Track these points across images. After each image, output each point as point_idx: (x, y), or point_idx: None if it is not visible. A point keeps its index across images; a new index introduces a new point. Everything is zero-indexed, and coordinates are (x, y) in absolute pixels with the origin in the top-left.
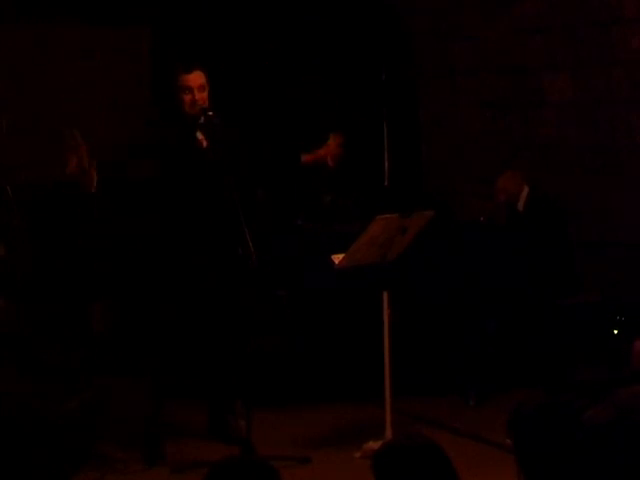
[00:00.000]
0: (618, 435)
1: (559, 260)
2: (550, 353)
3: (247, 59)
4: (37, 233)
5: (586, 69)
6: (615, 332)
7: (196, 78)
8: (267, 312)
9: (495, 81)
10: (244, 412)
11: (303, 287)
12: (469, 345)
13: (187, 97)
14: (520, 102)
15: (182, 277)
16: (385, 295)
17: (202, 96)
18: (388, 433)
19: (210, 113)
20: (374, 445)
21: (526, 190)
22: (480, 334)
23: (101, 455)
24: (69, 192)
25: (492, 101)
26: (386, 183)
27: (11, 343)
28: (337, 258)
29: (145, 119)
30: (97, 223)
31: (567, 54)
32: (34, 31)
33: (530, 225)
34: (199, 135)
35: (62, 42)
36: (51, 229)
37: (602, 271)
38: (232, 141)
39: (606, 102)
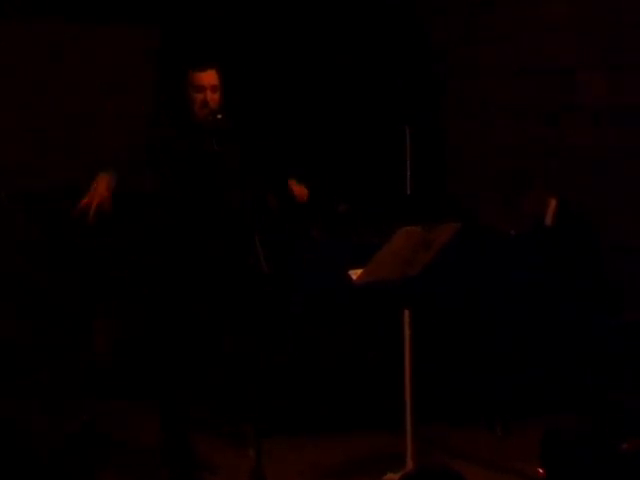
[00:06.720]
0: None
1: (591, 276)
2: (584, 377)
3: (259, 60)
4: (32, 241)
5: (620, 71)
6: None
7: (210, 77)
8: (279, 330)
9: (525, 83)
10: (254, 440)
11: (318, 305)
12: (495, 370)
13: (199, 96)
14: (552, 104)
15: (189, 288)
16: (406, 314)
17: (214, 97)
18: (409, 463)
19: (219, 116)
20: (394, 476)
21: (553, 204)
22: (504, 360)
23: None
24: (66, 199)
25: (521, 104)
26: (408, 191)
27: (9, 361)
28: (355, 273)
29: (147, 121)
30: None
31: (600, 55)
32: (38, 29)
33: (559, 240)
34: (207, 139)
35: (65, 41)
36: (47, 237)
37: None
38: (242, 145)
39: None
